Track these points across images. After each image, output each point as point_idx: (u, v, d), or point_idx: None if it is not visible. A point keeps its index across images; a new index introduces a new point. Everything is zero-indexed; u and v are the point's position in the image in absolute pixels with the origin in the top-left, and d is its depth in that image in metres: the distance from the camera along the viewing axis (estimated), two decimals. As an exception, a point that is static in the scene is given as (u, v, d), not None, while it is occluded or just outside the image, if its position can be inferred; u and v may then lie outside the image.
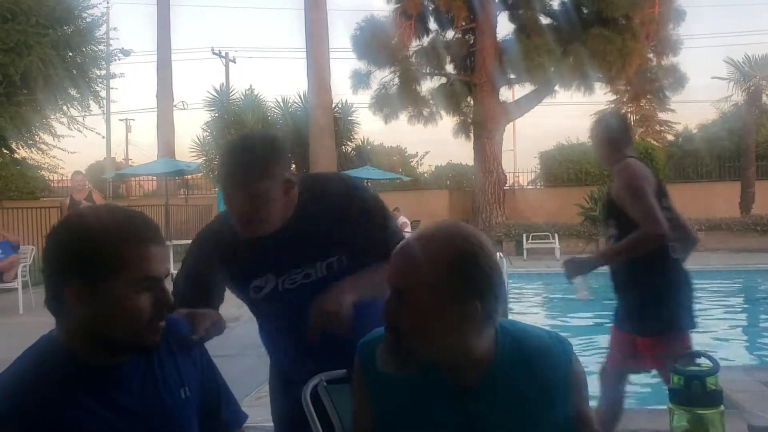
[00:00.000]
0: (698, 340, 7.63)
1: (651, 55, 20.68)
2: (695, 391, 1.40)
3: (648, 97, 26.09)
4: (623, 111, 39.42)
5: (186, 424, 1.47)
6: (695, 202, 20.31)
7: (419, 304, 1.34)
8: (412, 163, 31.35)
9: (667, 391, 1.50)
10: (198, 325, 1.66)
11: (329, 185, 2.09)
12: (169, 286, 1.39)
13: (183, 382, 1.47)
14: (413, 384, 1.44)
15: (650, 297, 3.16)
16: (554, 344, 1.50)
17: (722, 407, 1.41)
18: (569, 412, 1.46)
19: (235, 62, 34.95)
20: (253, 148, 1.93)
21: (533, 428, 1.44)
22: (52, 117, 15.86)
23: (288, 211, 1.98)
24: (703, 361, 1.47)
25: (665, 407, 1.49)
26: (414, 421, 1.46)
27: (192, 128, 43.00)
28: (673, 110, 35.85)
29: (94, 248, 1.27)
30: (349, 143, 25.76)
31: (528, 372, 1.44)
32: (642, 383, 6.01)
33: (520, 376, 1.44)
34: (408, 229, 19.41)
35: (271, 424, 3.56)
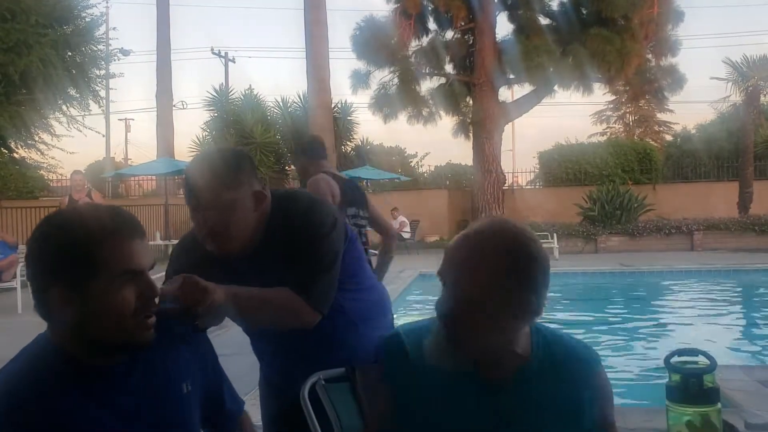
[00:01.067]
0: (696, 339, 7.69)
1: (650, 56, 20.69)
2: (692, 389, 1.40)
3: (647, 97, 26.15)
4: (622, 110, 39.62)
5: (188, 420, 1.46)
6: (693, 202, 20.35)
7: (478, 301, 1.35)
8: (412, 163, 31.31)
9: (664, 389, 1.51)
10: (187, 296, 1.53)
11: (294, 208, 1.96)
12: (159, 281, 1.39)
13: (184, 376, 1.46)
14: (443, 377, 1.44)
15: None
16: (584, 352, 1.54)
17: (719, 405, 1.42)
18: (596, 421, 1.48)
19: (234, 62, 34.96)
20: (215, 161, 1.89)
21: (560, 426, 1.46)
22: (52, 116, 15.85)
23: (259, 229, 1.90)
24: (701, 359, 1.47)
25: (662, 405, 1.49)
26: (441, 415, 1.46)
27: (191, 128, 43.05)
28: (671, 111, 36.05)
29: (67, 249, 1.26)
30: (348, 143, 25.79)
31: (559, 374, 1.47)
32: (638, 381, 6.03)
33: (551, 377, 1.46)
34: (407, 228, 19.43)
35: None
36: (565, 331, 1.64)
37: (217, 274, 1.72)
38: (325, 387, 1.98)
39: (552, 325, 1.59)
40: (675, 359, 1.46)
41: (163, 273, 1.94)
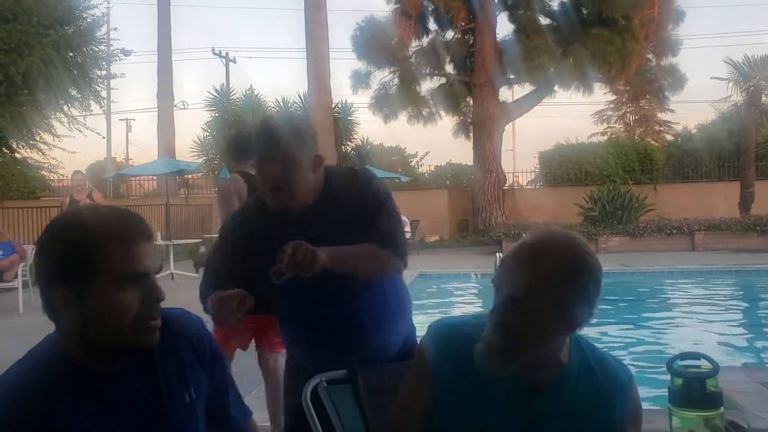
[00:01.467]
0: (698, 340, 7.68)
1: (650, 56, 20.71)
2: (695, 393, 1.40)
3: (647, 97, 26.17)
4: (623, 110, 39.59)
5: (191, 428, 1.45)
6: (695, 202, 20.33)
7: (536, 309, 1.38)
8: (412, 163, 31.28)
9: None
10: (225, 309, 1.90)
11: (355, 179, 2.23)
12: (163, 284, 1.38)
13: (188, 385, 1.45)
14: (485, 377, 1.45)
15: None
16: (620, 368, 1.55)
17: (722, 409, 1.42)
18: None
19: (235, 62, 34.94)
20: (286, 121, 2.18)
21: None
22: (53, 117, 15.85)
23: (315, 191, 2.14)
24: (703, 363, 1.47)
25: (664, 406, 1.49)
26: (478, 414, 1.48)
27: (192, 128, 43.02)
28: (672, 110, 36.06)
29: (69, 250, 1.26)
30: (348, 143, 25.73)
31: (594, 386, 1.49)
32: (640, 382, 6.03)
33: (585, 387, 1.48)
34: (407, 228, 19.41)
35: (268, 424, 3.57)
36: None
37: (272, 240, 1.97)
38: (327, 389, 1.98)
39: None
40: (677, 363, 1.47)
41: (169, 272, 2.00)
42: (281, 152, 2.04)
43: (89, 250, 1.26)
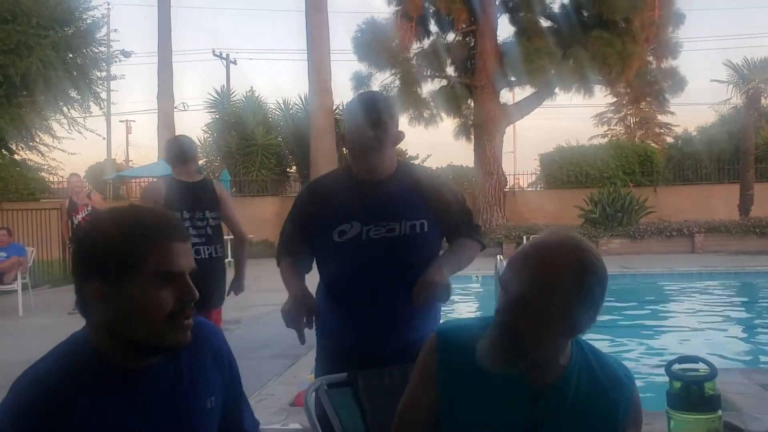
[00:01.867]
0: (697, 342, 7.68)
1: (651, 58, 20.67)
2: (693, 397, 1.41)
3: (648, 99, 26.08)
4: (623, 112, 39.60)
5: None
6: (694, 204, 20.32)
7: (540, 312, 1.39)
8: (413, 165, 31.28)
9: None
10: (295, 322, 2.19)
11: (422, 167, 2.65)
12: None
13: (210, 392, 1.48)
14: (490, 378, 1.46)
15: None
16: (620, 370, 1.57)
17: (720, 412, 1.42)
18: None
19: (236, 64, 34.98)
20: (380, 95, 2.58)
21: None
22: (53, 118, 15.85)
23: (391, 166, 2.35)
24: (701, 366, 1.48)
25: (664, 410, 1.50)
26: (482, 415, 1.49)
27: (193, 130, 43.04)
28: (672, 113, 36.06)
29: (108, 246, 1.28)
30: (349, 145, 25.74)
31: (594, 386, 1.50)
32: (639, 384, 6.03)
33: (587, 388, 1.49)
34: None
35: (269, 426, 3.58)
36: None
37: (345, 199, 2.30)
38: (327, 392, 1.99)
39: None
40: (676, 367, 1.47)
41: None
42: (377, 118, 2.25)
43: (129, 247, 1.28)
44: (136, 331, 1.30)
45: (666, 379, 1.56)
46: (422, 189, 2.36)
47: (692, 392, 1.41)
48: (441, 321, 1.67)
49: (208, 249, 4.49)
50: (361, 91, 2.75)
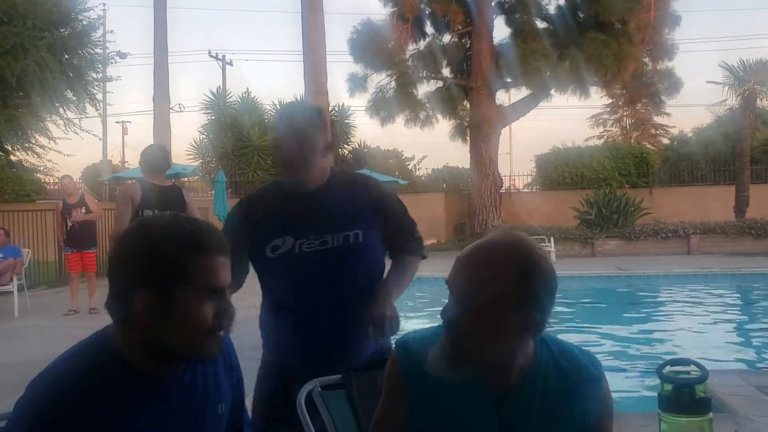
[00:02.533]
0: (693, 344, 7.69)
1: (646, 60, 20.74)
2: (684, 399, 1.41)
3: (643, 101, 26.15)
4: (619, 114, 39.65)
5: None
6: (690, 205, 20.38)
7: (484, 311, 1.37)
8: (409, 167, 31.29)
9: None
10: None
11: (358, 174, 2.51)
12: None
13: (221, 398, 1.49)
14: (452, 385, 1.45)
15: None
16: (586, 360, 1.55)
17: (711, 415, 1.42)
18: (595, 426, 1.51)
19: (231, 65, 34.99)
20: (304, 105, 2.63)
21: None
22: (48, 120, 15.82)
23: (323, 176, 2.29)
24: (693, 369, 1.48)
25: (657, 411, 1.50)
26: (449, 422, 1.48)
27: (189, 131, 43.05)
28: (668, 114, 36.10)
29: (163, 257, 1.29)
30: (345, 146, 25.76)
31: (561, 382, 1.49)
32: (636, 386, 6.04)
33: (555, 386, 1.48)
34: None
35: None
36: (566, 338, 1.65)
37: (276, 215, 2.24)
38: (321, 394, 1.99)
39: (550, 330, 1.60)
40: (667, 369, 1.47)
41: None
42: (299, 130, 2.21)
43: (182, 256, 1.29)
44: (173, 341, 1.31)
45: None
46: (358, 197, 2.30)
47: (683, 395, 1.41)
48: (404, 333, 1.65)
49: None
50: (287, 102, 3.06)
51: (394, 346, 1.63)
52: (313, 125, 2.25)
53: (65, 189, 9.68)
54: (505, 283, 1.37)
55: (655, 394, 1.49)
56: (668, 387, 1.43)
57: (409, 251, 2.43)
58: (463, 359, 1.41)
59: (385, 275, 2.39)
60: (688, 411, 1.41)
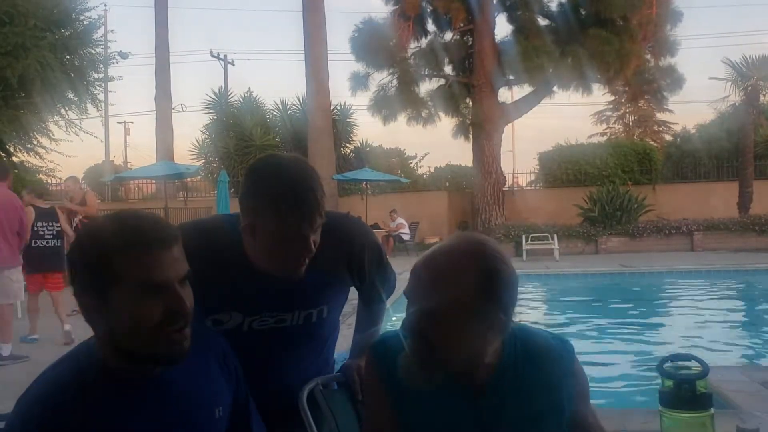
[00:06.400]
0: (697, 340, 7.67)
1: (649, 56, 20.69)
2: (685, 395, 1.40)
3: (646, 97, 26.09)
4: (622, 110, 39.60)
5: None
6: (693, 202, 20.35)
7: (448, 320, 1.35)
8: (411, 165, 31.29)
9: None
10: None
11: (338, 235, 1.90)
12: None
13: (218, 401, 1.45)
14: (427, 389, 1.44)
15: None
16: (557, 345, 1.54)
17: (712, 410, 1.41)
18: (573, 412, 1.50)
19: (233, 65, 35.02)
20: (311, 174, 1.72)
21: (542, 425, 1.47)
22: (50, 120, 15.80)
23: None
24: (693, 364, 1.47)
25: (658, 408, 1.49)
26: (429, 422, 1.47)
27: (191, 131, 43.13)
28: (671, 111, 36.00)
29: (88, 259, 1.26)
30: (347, 145, 25.78)
31: (534, 371, 1.48)
32: (639, 382, 6.02)
33: (527, 375, 1.48)
34: (405, 230, 19.43)
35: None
36: (569, 336, 1.65)
37: (240, 286, 1.79)
38: (322, 392, 1.98)
39: (549, 326, 1.60)
40: (668, 365, 1.46)
41: None
42: (319, 218, 1.70)
43: (107, 259, 1.24)
44: (127, 343, 1.27)
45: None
46: (331, 265, 1.89)
47: (684, 390, 1.40)
48: (377, 339, 1.62)
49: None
50: (276, 169, 1.71)
51: (369, 352, 1.60)
52: (323, 208, 1.72)
53: (69, 190, 9.71)
54: (465, 290, 1.35)
55: (656, 391, 1.48)
56: (669, 383, 1.42)
57: (380, 301, 2.11)
58: (434, 366, 1.40)
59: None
60: (689, 407, 1.40)
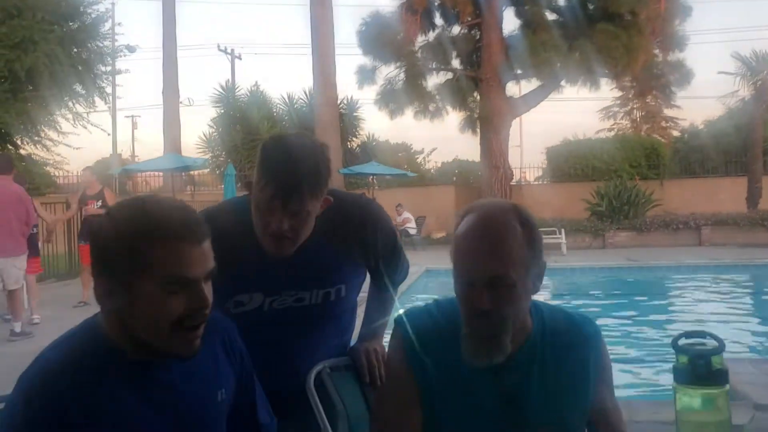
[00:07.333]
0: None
1: (657, 51, 20.58)
2: (700, 371, 1.38)
3: (654, 93, 25.99)
4: (629, 106, 39.44)
5: (218, 427, 1.44)
6: (701, 197, 20.26)
7: (516, 283, 1.36)
8: (418, 159, 31.23)
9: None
10: None
11: (352, 213, 1.92)
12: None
13: (221, 384, 1.44)
14: (454, 359, 1.44)
15: None
16: (585, 324, 1.55)
17: (728, 386, 1.39)
18: (598, 389, 1.51)
19: (240, 59, 35.02)
20: (310, 159, 1.71)
21: (568, 401, 1.47)
22: (58, 113, 15.84)
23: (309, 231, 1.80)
24: (709, 341, 1.45)
25: (669, 398, 1.47)
26: (454, 397, 1.47)
27: (198, 125, 43.26)
28: (678, 106, 35.84)
29: (117, 245, 1.23)
30: (354, 139, 25.76)
31: (560, 346, 1.49)
32: (645, 376, 6.01)
33: (554, 351, 1.48)
34: (412, 224, 19.40)
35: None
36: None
37: (243, 266, 1.76)
38: (330, 375, 1.97)
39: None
40: (683, 341, 1.44)
41: None
42: (299, 203, 1.68)
43: (138, 248, 1.21)
44: (142, 334, 1.25)
45: (671, 363, 1.53)
46: (346, 244, 1.90)
47: (699, 366, 1.37)
48: (401, 312, 1.61)
49: None
50: (279, 142, 1.74)
51: (394, 326, 1.59)
52: (320, 189, 1.72)
53: (85, 181, 9.87)
54: (517, 242, 1.37)
55: (665, 385, 1.47)
56: (683, 359, 1.40)
57: (395, 284, 2.13)
58: (504, 336, 1.40)
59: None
60: (704, 382, 1.38)
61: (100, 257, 1.26)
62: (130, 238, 1.22)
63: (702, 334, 1.47)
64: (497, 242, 1.37)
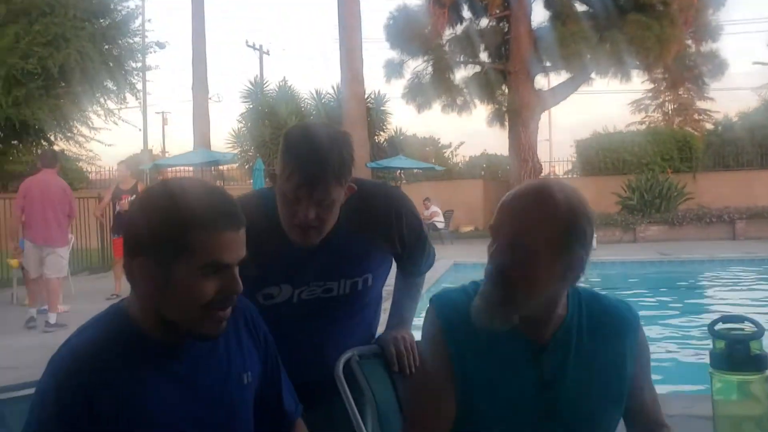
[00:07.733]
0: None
1: (690, 42, 20.29)
2: (738, 356, 1.34)
3: (686, 84, 25.62)
4: (661, 99, 38.87)
5: (245, 410, 1.44)
6: (735, 190, 19.90)
7: (537, 252, 1.35)
8: (446, 153, 31.11)
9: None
10: None
11: (376, 201, 1.92)
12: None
13: (246, 367, 1.44)
14: (491, 340, 1.44)
15: None
16: (624, 310, 1.54)
17: (767, 372, 1.35)
18: (635, 378, 1.49)
19: (269, 54, 35.20)
20: (335, 147, 1.70)
21: (603, 385, 1.46)
22: (90, 109, 16.09)
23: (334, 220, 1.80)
24: (747, 325, 1.41)
25: (703, 393, 1.44)
26: (492, 375, 1.46)
27: (227, 121, 43.56)
28: (712, 98, 35.23)
29: (160, 228, 1.24)
30: (381, 133, 25.72)
31: (598, 330, 1.47)
32: (678, 372, 5.93)
33: (592, 335, 1.47)
34: (440, 218, 19.35)
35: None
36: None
37: (271, 259, 1.76)
38: (359, 363, 1.96)
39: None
40: (720, 326, 1.41)
41: None
42: (325, 191, 1.69)
43: (182, 228, 1.22)
44: (174, 314, 1.27)
45: (706, 360, 1.49)
46: (372, 232, 1.90)
47: (737, 351, 1.34)
48: (436, 293, 1.61)
49: None
50: (303, 131, 1.75)
51: (430, 304, 1.58)
52: (345, 177, 1.72)
53: (120, 175, 10.12)
54: (558, 225, 1.35)
55: (698, 380, 1.43)
56: (720, 344, 1.36)
57: (419, 273, 2.14)
58: (512, 308, 1.38)
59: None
60: (742, 368, 1.34)
61: (138, 238, 1.26)
62: (173, 221, 1.23)
63: (740, 318, 1.43)
64: (529, 210, 1.37)
